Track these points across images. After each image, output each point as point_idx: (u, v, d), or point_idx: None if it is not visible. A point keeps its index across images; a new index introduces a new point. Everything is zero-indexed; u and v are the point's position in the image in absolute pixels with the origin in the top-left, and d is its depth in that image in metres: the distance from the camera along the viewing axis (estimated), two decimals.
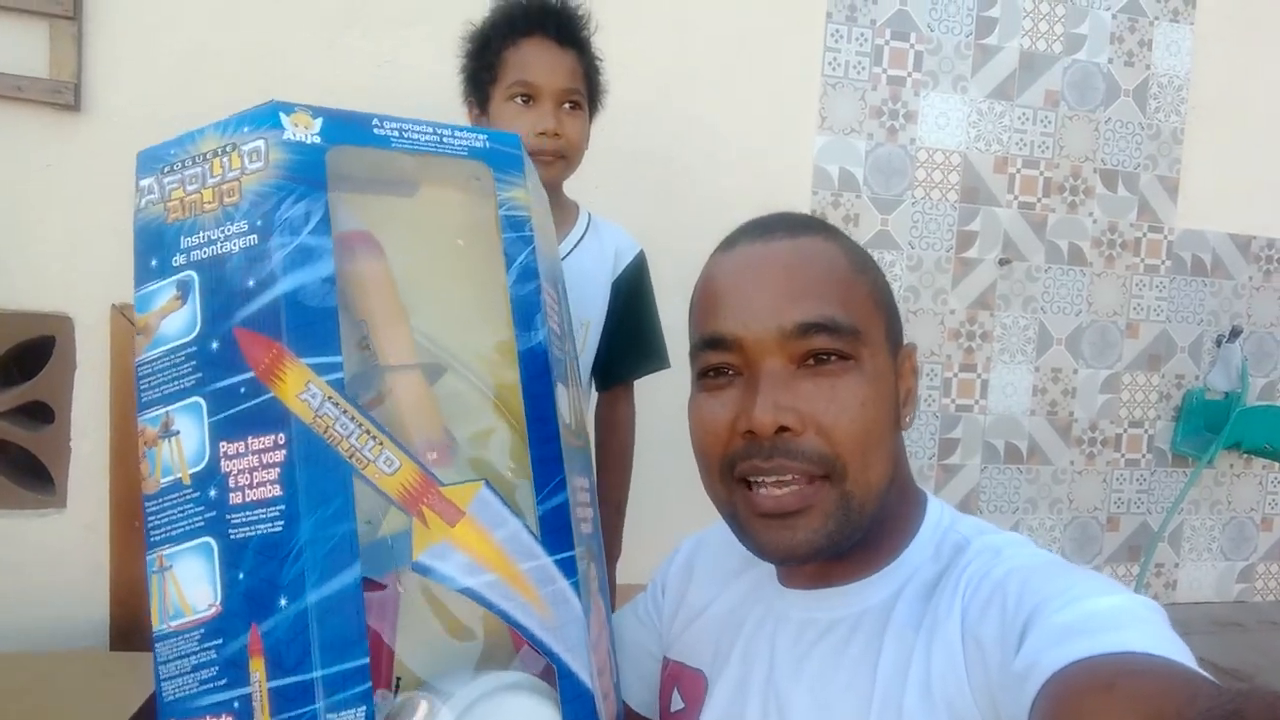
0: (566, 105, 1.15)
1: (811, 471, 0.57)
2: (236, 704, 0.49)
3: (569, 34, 1.17)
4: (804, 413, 0.57)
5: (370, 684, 0.50)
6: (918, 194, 2.50)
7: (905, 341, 0.65)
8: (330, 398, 0.52)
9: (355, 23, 1.94)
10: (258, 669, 0.49)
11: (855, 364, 0.58)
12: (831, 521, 0.57)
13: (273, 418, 0.51)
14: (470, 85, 1.21)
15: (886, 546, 0.62)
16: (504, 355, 0.62)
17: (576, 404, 0.69)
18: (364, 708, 0.50)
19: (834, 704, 0.58)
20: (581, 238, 1.23)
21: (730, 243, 0.64)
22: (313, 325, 0.53)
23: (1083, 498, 2.71)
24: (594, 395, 1.29)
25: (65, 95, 1.71)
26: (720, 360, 0.60)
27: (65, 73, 1.71)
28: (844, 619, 0.61)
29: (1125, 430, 2.73)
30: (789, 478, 0.57)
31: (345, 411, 0.52)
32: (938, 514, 0.64)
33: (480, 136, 0.63)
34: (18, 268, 1.76)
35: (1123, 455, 2.73)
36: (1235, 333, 2.71)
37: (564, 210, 1.25)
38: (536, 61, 1.14)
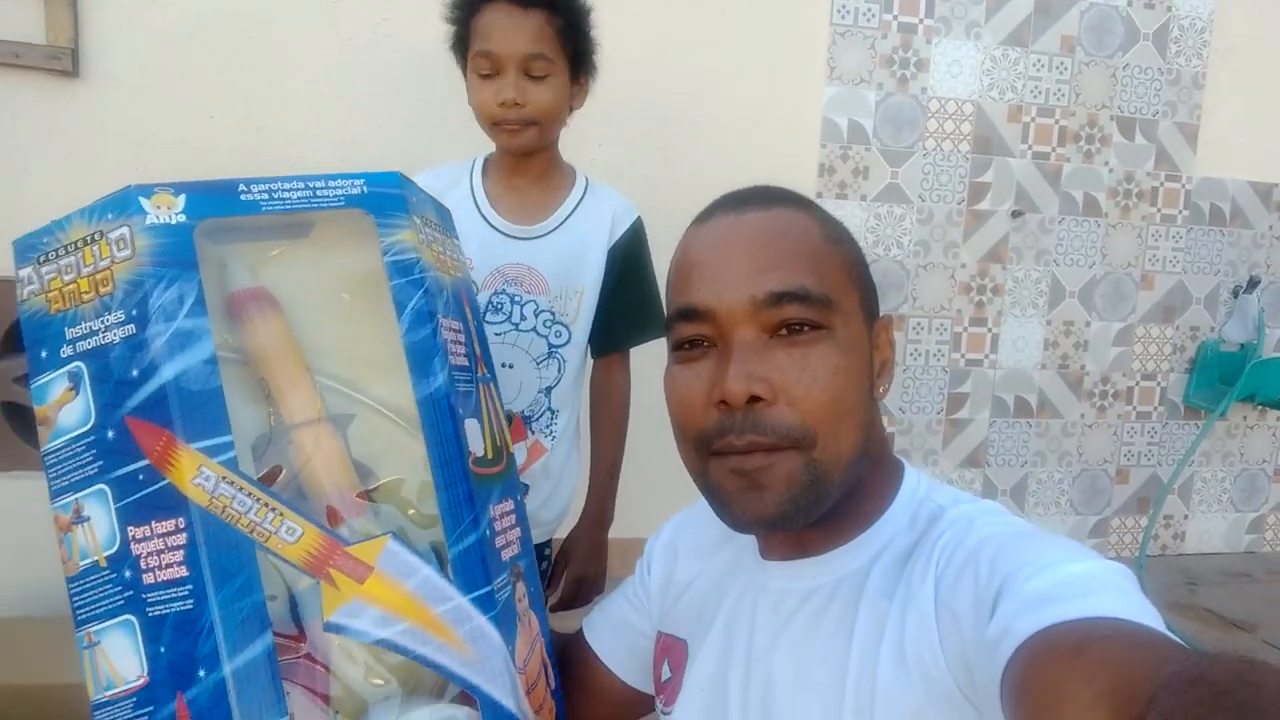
0: (532, 70, 1.12)
1: (781, 446, 0.57)
2: None
3: None
4: (776, 382, 0.57)
5: None
6: (929, 145, 2.45)
7: (883, 313, 0.66)
8: (225, 478, 0.54)
9: None
10: None
11: (828, 333, 0.58)
12: (798, 488, 0.57)
13: (171, 503, 0.53)
14: (456, 52, 1.19)
15: (860, 515, 0.63)
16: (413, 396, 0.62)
17: (494, 425, 0.69)
18: None
19: (812, 672, 0.60)
20: (579, 203, 1.22)
21: (705, 215, 0.64)
22: (199, 409, 0.54)
23: (1093, 451, 2.71)
24: (589, 362, 1.28)
25: (63, 61, 1.71)
26: (694, 332, 0.61)
27: (62, 39, 1.70)
28: (820, 588, 0.62)
29: (1137, 383, 2.71)
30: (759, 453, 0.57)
31: (242, 489, 0.54)
32: (914, 483, 0.64)
33: (357, 182, 0.62)
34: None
35: (1134, 408, 2.72)
36: (1253, 283, 2.66)
37: (560, 174, 1.23)
38: (496, 28, 1.10)
